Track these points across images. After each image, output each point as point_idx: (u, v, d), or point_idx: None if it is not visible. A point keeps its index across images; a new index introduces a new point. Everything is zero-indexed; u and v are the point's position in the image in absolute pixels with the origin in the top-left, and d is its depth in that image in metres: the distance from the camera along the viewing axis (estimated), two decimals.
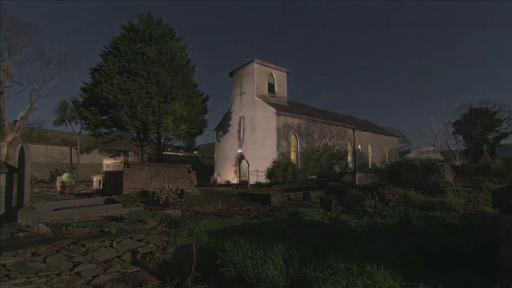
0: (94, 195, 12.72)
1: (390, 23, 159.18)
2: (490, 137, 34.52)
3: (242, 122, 25.38)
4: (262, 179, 19.51)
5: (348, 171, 22.60)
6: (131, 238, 4.65)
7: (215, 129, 28.52)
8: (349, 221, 6.67)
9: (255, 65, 24.30)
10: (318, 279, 2.89)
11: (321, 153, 21.92)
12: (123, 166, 11.17)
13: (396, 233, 5.56)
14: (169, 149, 31.37)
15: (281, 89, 26.08)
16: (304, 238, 5.25)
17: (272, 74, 25.64)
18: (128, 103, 18.19)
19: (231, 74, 27.19)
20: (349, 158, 27.26)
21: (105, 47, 20.08)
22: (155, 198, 9.49)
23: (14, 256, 3.53)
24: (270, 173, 19.33)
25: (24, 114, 18.49)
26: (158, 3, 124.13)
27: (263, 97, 24.02)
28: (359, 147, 29.54)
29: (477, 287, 2.94)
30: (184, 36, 23.58)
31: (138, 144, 21.62)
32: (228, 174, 25.56)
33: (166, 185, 10.59)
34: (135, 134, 21.47)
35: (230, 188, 16.88)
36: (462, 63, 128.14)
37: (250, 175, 20.55)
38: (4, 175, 6.38)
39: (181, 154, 33.73)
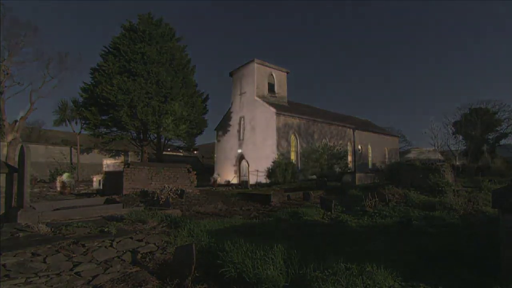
0: (94, 195, 12.70)
1: (390, 23, 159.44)
2: (490, 137, 34.52)
3: (242, 122, 25.38)
4: (262, 179, 19.52)
5: (348, 171, 22.62)
6: (131, 238, 4.65)
7: (215, 129, 28.52)
8: (349, 221, 6.66)
9: (255, 65, 24.31)
10: (318, 279, 2.89)
11: (321, 153, 21.95)
12: (123, 166, 11.18)
13: (396, 233, 5.57)
14: (169, 149, 31.37)
15: (281, 89, 26.10)
16: (304, 238, 5.25)
17: (272, 74, 25.65)
18: (128, 103, 18.21)
19: (231, 74, 27.21)
20: (349, 158, 27.29)
21: (105, 47, 20.13)
22: (155, 198, 9.49)
23: (14, 256, 3.52)
24: (270, 173, 19.33)
25: (24, 114, 18.55)
26: (158, 3, 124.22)
27: (263, 97, 24.02)
28: (359, 147, 29.54)
29: (477, 287, 2.94)
30: (184, 36, 23.74)
31: (138, 144, 21.64)
32: (228, 174, 25.56)
33: (166, 185, 10.59)
34: (135, 134, 21.49)
35: (230, 188, 16.88)
36: (462, 63, 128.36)
37: (250, 175, 20.57)
38: (4, 175, 6.39)
39: (181, 154, 33.73)
